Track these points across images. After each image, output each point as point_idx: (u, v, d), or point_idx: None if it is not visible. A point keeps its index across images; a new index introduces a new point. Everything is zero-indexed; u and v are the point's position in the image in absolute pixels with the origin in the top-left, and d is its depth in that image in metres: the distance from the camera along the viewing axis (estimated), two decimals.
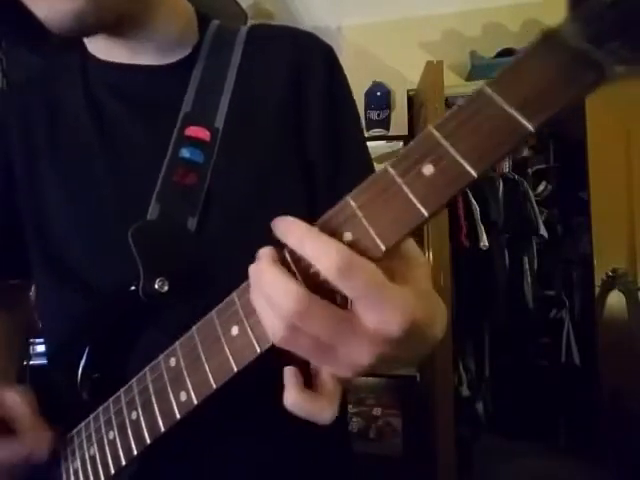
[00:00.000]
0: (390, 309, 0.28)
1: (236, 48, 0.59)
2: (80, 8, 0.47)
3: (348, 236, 0.30)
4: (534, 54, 0.25)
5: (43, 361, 0.59)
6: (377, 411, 2.41)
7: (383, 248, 0.28)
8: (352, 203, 0.30)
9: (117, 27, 0.54)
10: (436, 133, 0.27)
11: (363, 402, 2.41)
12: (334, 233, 0.30)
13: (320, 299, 0.29)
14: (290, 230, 0.30)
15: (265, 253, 0.32)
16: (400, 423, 2.38)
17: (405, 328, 0.28)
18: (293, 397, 0.32)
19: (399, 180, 0.28)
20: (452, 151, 0.26)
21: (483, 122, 0.26)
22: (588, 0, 0.23)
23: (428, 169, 0.27)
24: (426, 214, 0.27)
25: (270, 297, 0.30)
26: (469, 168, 0.26)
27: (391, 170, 0.28)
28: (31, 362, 0.98)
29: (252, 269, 0.32)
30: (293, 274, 0.31)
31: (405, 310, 0.28)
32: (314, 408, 0.32)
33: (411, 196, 0.27)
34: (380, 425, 2.39)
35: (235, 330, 0.36)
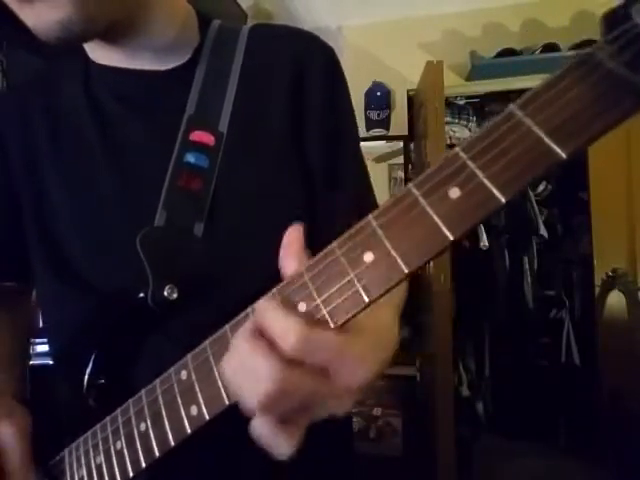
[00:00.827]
0: (352, 370, 0.31)
1: (238, 49, 0.59)
2: (67, 18, 0.46)
3: (369, 256, 0.29)
4: (567, 76, 0.24)
5: (43, 361, 0.58)
6: (377, 411, 2.40)
7: (406, 271, 0.28)
8: (373, 222, 0.29)
9: (109, 34, 0.53)
10: (463, 155, 0.26)
11: (363, 402, 2.40)
12: (354, 251, 0.29)
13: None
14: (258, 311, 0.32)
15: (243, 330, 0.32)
16: (400, 423, 2.38)
17: (369, 377, 0.31)
18: (258, 425, 0.32)
19: (423, 201, 0.27)
20: (479, 174, 0.25)
21: (512, 145, 0.25)
22: (622, 23, 0.22)
23: (454, 192, 0.26)
24: (451, 238, 0.26)
25: (253, 371, 0.30)
26: (497, 193, 0.25)
27: (415, 191, 0.27)
28: (31, 362, 0.97)
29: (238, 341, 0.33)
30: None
31: (364, 365, 0.31)
32: (275, 441, 0.32)
33: (436, 219, 0.26)
34: (380, 425, 2.39)
35: None
